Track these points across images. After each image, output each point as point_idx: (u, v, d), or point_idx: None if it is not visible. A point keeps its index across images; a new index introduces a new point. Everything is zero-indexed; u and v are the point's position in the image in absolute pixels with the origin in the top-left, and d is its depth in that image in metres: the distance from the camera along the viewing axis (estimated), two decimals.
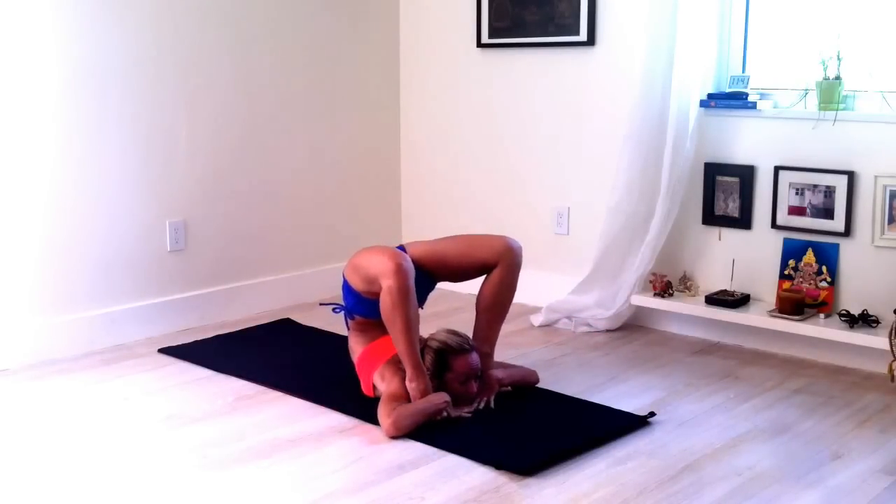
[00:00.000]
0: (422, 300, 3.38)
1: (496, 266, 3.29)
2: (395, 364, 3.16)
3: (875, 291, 3.60)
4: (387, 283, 3.04)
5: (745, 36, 3.94)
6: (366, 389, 3.24)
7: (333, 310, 3.40)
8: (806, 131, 3.71)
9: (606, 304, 4.11)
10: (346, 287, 3.31)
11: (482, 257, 3.31)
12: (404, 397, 3.08)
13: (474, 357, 3.15)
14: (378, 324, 3.25)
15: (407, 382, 3.08)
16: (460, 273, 3.38)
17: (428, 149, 4.93)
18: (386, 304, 3.05)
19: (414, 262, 3.18)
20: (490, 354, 3.33)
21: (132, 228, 3.99)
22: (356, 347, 3.32)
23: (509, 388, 3.32)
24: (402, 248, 3.33)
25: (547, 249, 4.46)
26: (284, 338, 4.06)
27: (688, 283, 4.02)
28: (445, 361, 3.12)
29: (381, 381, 3.16)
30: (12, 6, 3.56)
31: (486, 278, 3.33)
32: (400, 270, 3.04)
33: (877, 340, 3.44)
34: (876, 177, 3.56)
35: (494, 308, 3.33)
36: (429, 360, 3.12)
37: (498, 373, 3.31)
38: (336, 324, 3.82)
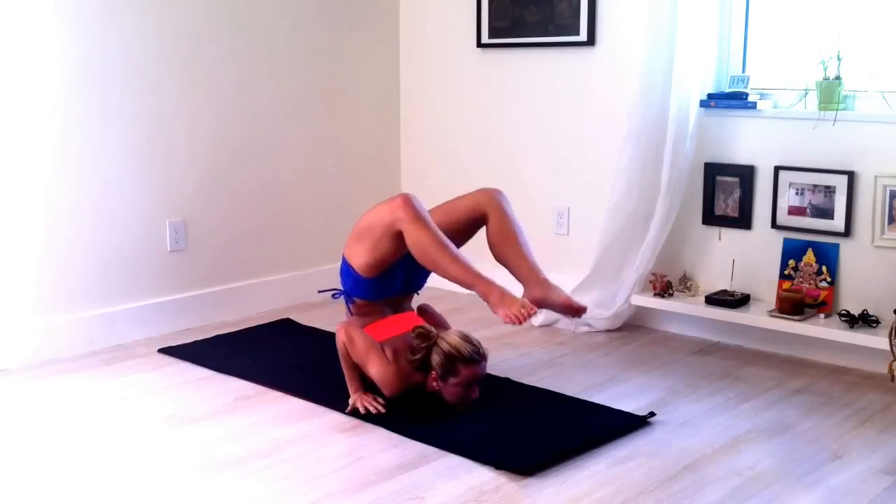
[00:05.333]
0: (420, 284, 3.36)
1: (485, 217, 3.29)
2: (391, 345, 3.15)
3: (875, 291, 3.60)
4: (401, 217, 3.01)
5: (745, 36, 3.95)
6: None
7: (333, 295, 3.38)
8: (806, 131, 3.71)
9: (606, 304, 4.11)
10: (346, 269, 3.27)
11: (466, 217, 3.30)
12: (383, 369, 3.09)
13: (482, 367, 3.09)
14: (379, 305, 3.22)
15: (483, 298, 3.02)
16: (453, 239, 3.28)
17: (428, 149, 4.93)
18: (412, 236, 3.01)
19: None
20: (543, 280, 3.26)
21: (132, 228, 3.99)
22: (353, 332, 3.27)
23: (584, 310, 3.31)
24: None
25: (547, 249, 4.46)
26: (284, 338, 4.06)
27: (688, 283, 4.02)
28: (453, 367, 3.04)
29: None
30: (13, 6, 3.56)
31: (488, 226, 3.32)
32: (407, 200, 3.03)
33: (877, 340, 3.44)
34: (876, 177, 3.56)
35: (508, 242, 3.29)
36: (436, 360, 3.05)
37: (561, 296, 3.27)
38: (336, 324, 3.81)
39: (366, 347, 3.15)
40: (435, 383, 3.09)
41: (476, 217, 3.30)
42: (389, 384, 3.12)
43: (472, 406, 3.12)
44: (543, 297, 3.27)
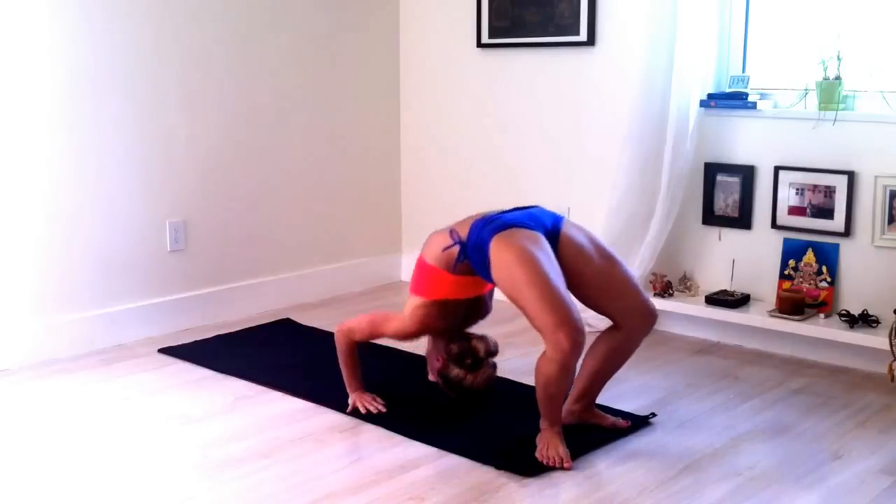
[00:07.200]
0: None
1: (623, 329, 2.97)
2: (426, 308, 3.01)
3: (875, 291, 3.60)
4: (556, 355, 2.71)
5: (745, 36, 3.95)
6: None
7: (455, 241, 3.01)
8: (806, 131, 3.71)
9: None
10: (481, 246, 2.91)
11: (618, 312, 2.97)
12: (394, 331, 3.08)
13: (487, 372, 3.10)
14: (475, 278, 3.03)
15: (540, 425, 2.85)
16: (580, 299, 2.98)
17: (428, 149, 4.93)
18: (548, 372, 2.74)
19: (558, 254, 2.89)
20: (593, 402, 3.09)
21: (132, 228, 3.99)
22: (431, 258, 3.04)
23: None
24: (557, 220, 3.01)
25: None
26: (284, 338, 4.06)
27: (688, 283, 4.02)
28: (452, 386, 3.08)
29: (408, 307, 3.05)
30: (11, 6, 3.56)
31: (610, 332, 3.00)
32: (576, 354, 2.72)
33: (877, 340, 3.45)
34: (876, 177, 3.56)
35: (613, 365, 3.04)
36: (455, 348, 3.03)
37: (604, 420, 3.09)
38: (335, 324, 3.80)
39: (369, 321, 3.15)
40: (437, 363, 3.11)
41: (619, 318, 2.97)
42: (406, 330, 3.07)
43: (471, 406, 3.14)
44: (581, 418, 3.06)
